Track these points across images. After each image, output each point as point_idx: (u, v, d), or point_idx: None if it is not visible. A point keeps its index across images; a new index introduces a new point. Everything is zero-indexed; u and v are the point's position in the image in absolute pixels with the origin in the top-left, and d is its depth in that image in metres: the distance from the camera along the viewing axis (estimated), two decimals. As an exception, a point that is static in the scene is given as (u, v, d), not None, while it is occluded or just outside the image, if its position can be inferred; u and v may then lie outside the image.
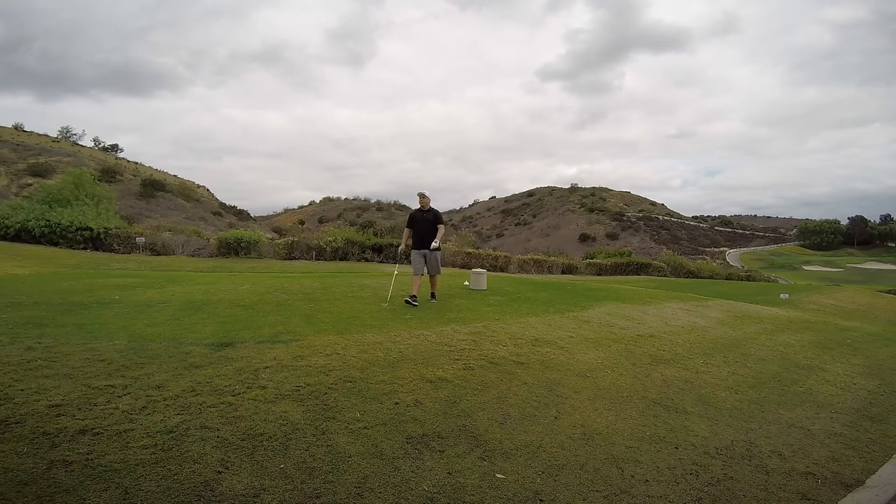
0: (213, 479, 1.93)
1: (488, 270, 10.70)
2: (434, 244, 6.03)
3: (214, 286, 7.23)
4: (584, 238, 78.46)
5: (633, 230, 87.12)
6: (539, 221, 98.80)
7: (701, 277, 25.79)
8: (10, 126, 53.86)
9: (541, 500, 2.02)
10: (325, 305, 5.83)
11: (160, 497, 1.79)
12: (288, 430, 2.39)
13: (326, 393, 2.88)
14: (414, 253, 6.17)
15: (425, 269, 6.16)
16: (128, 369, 3.03)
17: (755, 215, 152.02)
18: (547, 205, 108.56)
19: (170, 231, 19.88)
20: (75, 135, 60.55)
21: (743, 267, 47.19)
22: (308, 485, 1.96)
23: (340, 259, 19.58)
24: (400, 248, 6.78)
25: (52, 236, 16.30)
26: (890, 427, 3.21)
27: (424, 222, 6.20)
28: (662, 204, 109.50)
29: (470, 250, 22.59)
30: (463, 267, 19.25)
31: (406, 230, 6.46)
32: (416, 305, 5.90)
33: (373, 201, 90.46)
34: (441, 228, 6.20)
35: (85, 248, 16.48)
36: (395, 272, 6.84)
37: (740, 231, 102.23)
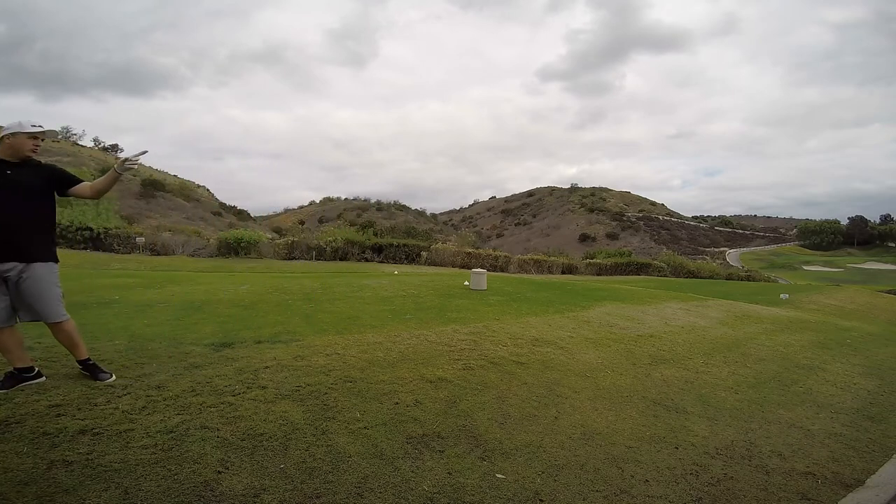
0: (213, 479, 1.93)
1: (488, 270, 10.70)
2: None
3: (214, 286, 7.23)
4: (584, 238, 78.45)
5: (633, 230, 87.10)
6: (539, 221, 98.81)
7: (701, 277, 25.82)
8: (9, 126, 53.84)
9: (541, 500, 2.02)
10: (325, 305, 5.83)
11: (160, 497, 1.79)
12: (288, 430, 2.39)
13: (326, 393, 2.88)
14: None
15: (16, 315, 2.63)
16: (128, 369, 3.03)
17: (755, 215, 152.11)
18: (547, 205, 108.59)
19: (170, 231, 19.91)
20: (75, 135, 60.53)
21: (743, 267, 47.15)
22: (308, 485, 1.96)
23: (340, 259, 19.58)
24: None
25: (52, 236, 16.28)
26: (890, 427, 3.20)
27: (12, 189, 2.50)
28: (662, 204, 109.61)
29: (470, 250, 22.63)
30: (463, 267, 19.25)
31: None
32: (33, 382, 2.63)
33: (373, 201, 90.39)
34: (83, 186, 2.72)
35: (85, 248, 16.47)
36: (396, 272, 6.73)
37: (740, 231, 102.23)
